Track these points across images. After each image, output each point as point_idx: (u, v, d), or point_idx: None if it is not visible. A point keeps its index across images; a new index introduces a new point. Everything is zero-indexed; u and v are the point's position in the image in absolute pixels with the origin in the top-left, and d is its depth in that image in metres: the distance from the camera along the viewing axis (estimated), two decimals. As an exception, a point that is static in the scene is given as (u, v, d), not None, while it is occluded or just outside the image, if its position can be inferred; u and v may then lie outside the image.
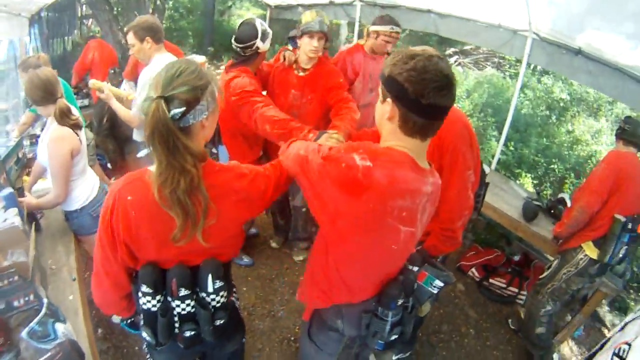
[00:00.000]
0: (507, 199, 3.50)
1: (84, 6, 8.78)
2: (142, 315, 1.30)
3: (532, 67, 8.13)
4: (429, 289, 1.35)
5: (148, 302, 1.25)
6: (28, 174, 2.85)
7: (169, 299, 1.27)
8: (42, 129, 2.83)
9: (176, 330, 1.31)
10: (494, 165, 4.15)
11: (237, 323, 1.56)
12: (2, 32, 4.21)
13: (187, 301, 1.27)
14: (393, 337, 1.35)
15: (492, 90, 7.04)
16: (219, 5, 12.30)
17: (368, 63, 3.06)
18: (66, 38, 8.48)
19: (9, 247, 1.93)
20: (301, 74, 2.71)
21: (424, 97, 1.07)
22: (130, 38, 2.62)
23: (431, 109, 1.10)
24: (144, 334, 1.31)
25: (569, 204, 3.26)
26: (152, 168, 1.16)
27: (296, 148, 1.38)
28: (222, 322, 1.33)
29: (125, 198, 1.15)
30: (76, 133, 2.20)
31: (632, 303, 3.92)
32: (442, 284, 1.35)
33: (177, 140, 1.08)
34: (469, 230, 4.06)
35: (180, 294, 1.25)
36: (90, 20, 9.31)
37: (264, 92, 2.67)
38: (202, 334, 1.33)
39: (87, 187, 2.37)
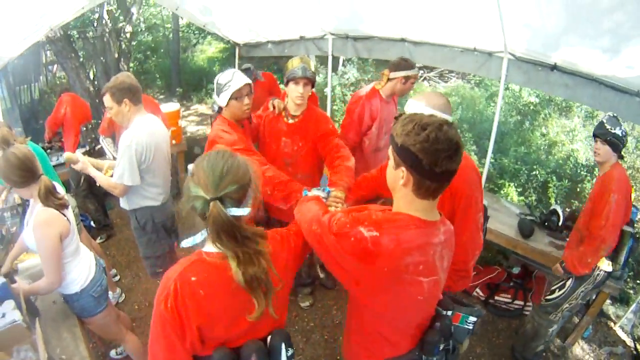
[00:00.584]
0: (501, 219, 3.59)
1: (47, 52, 8.59)
2: None
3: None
4: (465, 326, 1.45)
5: None
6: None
7: None
8: (25, 200, 2.74)
9: None
10: (483, 182, 4.22)
11: None
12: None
13: None
14: None
15: (464, 104, 7.23)
16: (182, 43, 12.29)
17: (383, 107, 3.13)
18: (33, 85, 8.30)
19: (14, 344, 1.84)
20: (291, 121, 2.74)
21: (437, 165, 1.18)
22: (107, 100, 2.51)
23: (444, 175, 1.21)
24: None
25: (561, 214, 3.41)
26: (208, 249, 1.23)
27: (308, 222, 1.46)
28: None
29: (189, 280, 1.17)
30: (63, 213, 2.07)
31: (632, 292, 4.03)
32: (475, 319, 1.44)
33: (243, 232, 1.19)
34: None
35: None
36: (55, 66, 9.12)
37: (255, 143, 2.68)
38: None
39: (83, 267, 2.26)
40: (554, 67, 3.28)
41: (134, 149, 2.45)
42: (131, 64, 9.55)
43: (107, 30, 7.37)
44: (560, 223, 3.44)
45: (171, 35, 11.20)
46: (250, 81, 2.40)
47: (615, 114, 2.64)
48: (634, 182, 5.19)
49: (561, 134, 6.44)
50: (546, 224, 3.48)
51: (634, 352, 3.50)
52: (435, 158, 1.17)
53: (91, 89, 6.80)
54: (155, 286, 1.29)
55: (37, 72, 8.62)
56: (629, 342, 3.60)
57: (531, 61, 3.42)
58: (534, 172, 5.50)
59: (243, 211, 1.19)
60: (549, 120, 6.81)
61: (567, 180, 5.33)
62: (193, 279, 1.17)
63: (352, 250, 1.24)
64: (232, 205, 1.17)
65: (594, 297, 3.18)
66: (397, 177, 1.27)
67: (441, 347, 1.38)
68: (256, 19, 5.23)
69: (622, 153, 2.61)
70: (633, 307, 3.56)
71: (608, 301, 3.92)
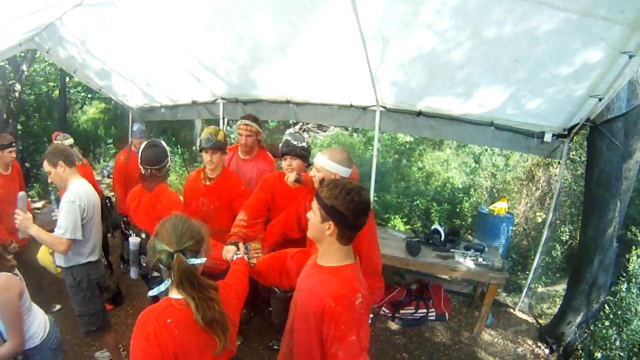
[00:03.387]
0: (390, 244, 4.10)
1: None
2: None
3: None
4: None
5: None
6: None
7: None
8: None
9: None
10: None
11: None
12: None
13: None
14: None
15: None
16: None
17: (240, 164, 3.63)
18: None
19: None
20: (207, 183, 3.13)
21: (358, 220, 1.59)
22: (46, 166, 2.78)
23: (360, 226, 1.62)
24: None
25: (442, 231, 4.10)
26: (174, 296, 1.51)
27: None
28: None
29: (165, 322, 1.44)
30: (15, 274, 2.29)
31: (524, 282, 4.70)
32: None
33: (200, 280, 1.50)
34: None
35: None
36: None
37: None
38: None
39: (40, 320, 2.33)
40: (419, 114, 3.87)
41: (77, 204, 2.68)
42: (19, 127, 8.71)
43: None
44: (442, 238, 4.11)
45: (56, 94, 10.38)
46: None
47: (297, 131, 3.25)
48: (507, 194, 6.18)
49: (437, 165, 7.34)
50: (430, 241, 4.11)
51: (537, 326, 4.14)
52: (357, 215, 1.57)
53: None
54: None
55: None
56: (531, 320, 4.27)
57: (400, 110, 3.99)
58: (415, 202, 6.17)
59: (200, 260, 1.52)
60: (424, 155, 7.73)
61: (447, 204, 6.07)
62: (168, 320, 1.44)
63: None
64: (191, 256, 1.49)
65: (484, 290, 3.89)
66: (324, 229, 1.60)
67: None
68: (151, 84, 5.27)
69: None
70: (525, 291, 4.24)
71: (503, 293, 4.70)
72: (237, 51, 3.92)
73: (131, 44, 4.15)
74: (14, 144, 3.68)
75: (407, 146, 7.90)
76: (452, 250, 4.00)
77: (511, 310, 4.41)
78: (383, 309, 4.15)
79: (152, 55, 4.33)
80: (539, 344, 3.87)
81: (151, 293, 1.55)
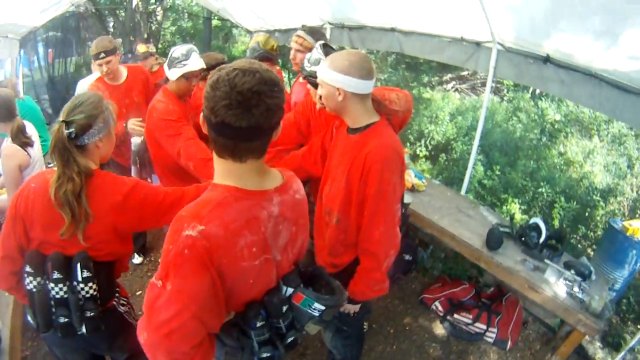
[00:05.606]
0: (471, 226, 3.10)
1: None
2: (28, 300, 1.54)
3: (529, 90, 7.92)
4: (309, 311, 1.26)
5: (30, 282, 1.49)
6: None
7: (47, 282, 1.49)
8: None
9: (53, 317, 1.51)
10: (463, 190, 3.80)
11: (123, 330, 1.71)
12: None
13: (60, 285, 1.48)
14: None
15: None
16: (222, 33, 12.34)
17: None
18: (69, 59, 8.66)
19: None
20: None
21: (215, 115, 1.02)
22: None
23: (224, 129, 1.03)
24: (28, 317, 1.60)
25: (543, 230, 2.87)
26: (51, 166, 1.61)
27: None
28: (92, 314, 1.52)
29: (30, 184, 1.52)
30: (26, 150, 2.49)
31: (628, 337, 3.42)
32: (322, 307, 1.25)
33: (70, 155, 1.46)
34: (439, 260, 3.69)
35: (54, 277, 1.47)
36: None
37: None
38: (73, 322, 1.51)
39: None
40: (546, 60, 2.86)
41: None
42: (160, 46, 9.72)
43: (138, 10, 7.57)
44: (540, 240, 2.89)
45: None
46: (205, 66, 2.39)
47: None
48: None
49: (579, 155, 5.84)
50: (523, 238, 2.94)
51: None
52: (214, 108, 1.01)
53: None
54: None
55: (78, 46, 9.01)
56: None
57: (522, 52, 3.01)
58: (540, 190, 4.97)
59: (85, 139, 1.49)
60: (569, 140, 6.23)
61: (575, 203, 4.74)
62: (32, 185, 1.51)
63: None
64: (76, 130, 1.45)
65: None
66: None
67: (260, 324, 1.22)
68: (263, 6, 5.21)
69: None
70: (623, 353, 2.87)
71: (597, 343, 3.33)
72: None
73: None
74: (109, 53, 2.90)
75: (556, 125, 6.45)
76: (546, 260, 2.81)
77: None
78: (436, 303, 3.22)
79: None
80: None
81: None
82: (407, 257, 3.47)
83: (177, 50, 2.29)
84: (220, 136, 1.06)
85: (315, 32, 2.83)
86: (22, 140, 2.51)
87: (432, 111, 6.79)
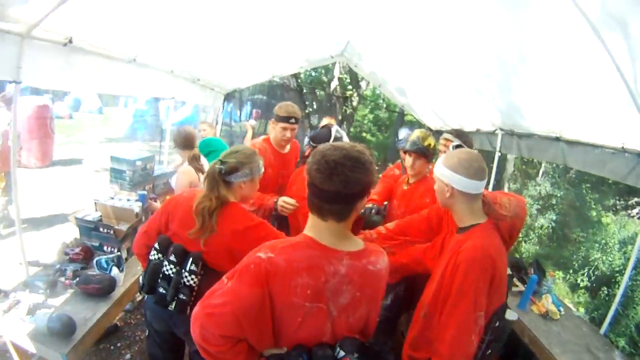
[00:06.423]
0: None
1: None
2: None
3: None
4: None
5: (154, 255, 1.95)
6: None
7: (164, 260, 1.93)
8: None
9: (156, 285, 1.93)
10: (604, 328, 3.12)
11: None
12: (194, 97, 5.60)
13: (171, 266, 1.90)
14: None
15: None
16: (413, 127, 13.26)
17: None
18: (269, 121, 10.50)
19: (123, 220, 3.26)
20: (405, 187, 3.03)
21: (311, 178, 1.28)
22: None
23: (319, 191, 1.26)
24: (141, 277, 2.02)
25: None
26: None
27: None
28: (184, 297, 1.86)
29: (183, 193, 2.11)
30: (197, 175, 3.14)
31: None
32: None
33: (216, 185, 1.91)
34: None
35: (171, 259, 1.90)
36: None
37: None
38: (167, 296, 1.87)
39: None
40: None
41: None
42: (352, 129, 10.99)
43: (335, 94, 8.77)
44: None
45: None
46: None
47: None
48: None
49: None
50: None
51: None
52: (309, 171, 1.28)
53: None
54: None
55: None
56: None
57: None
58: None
59: (231, 177, 1.94)
60: None
61: None
62: (184, 194, 2.05)
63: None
64: (225, 169, 1.91)
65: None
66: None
67: None
68: (441, 106, 5.69)
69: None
70: None
71: None
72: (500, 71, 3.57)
73: (424, 68, 4.61)
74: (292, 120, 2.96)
75: None
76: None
77: None
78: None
79: (441, 79, 4.65)
80: None
81: None
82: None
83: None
84: (310, 194, 1.30)
85: (461, 135, 3.12)
86: (195, 165, 3.14)
87: (602, 237, 6.09)
